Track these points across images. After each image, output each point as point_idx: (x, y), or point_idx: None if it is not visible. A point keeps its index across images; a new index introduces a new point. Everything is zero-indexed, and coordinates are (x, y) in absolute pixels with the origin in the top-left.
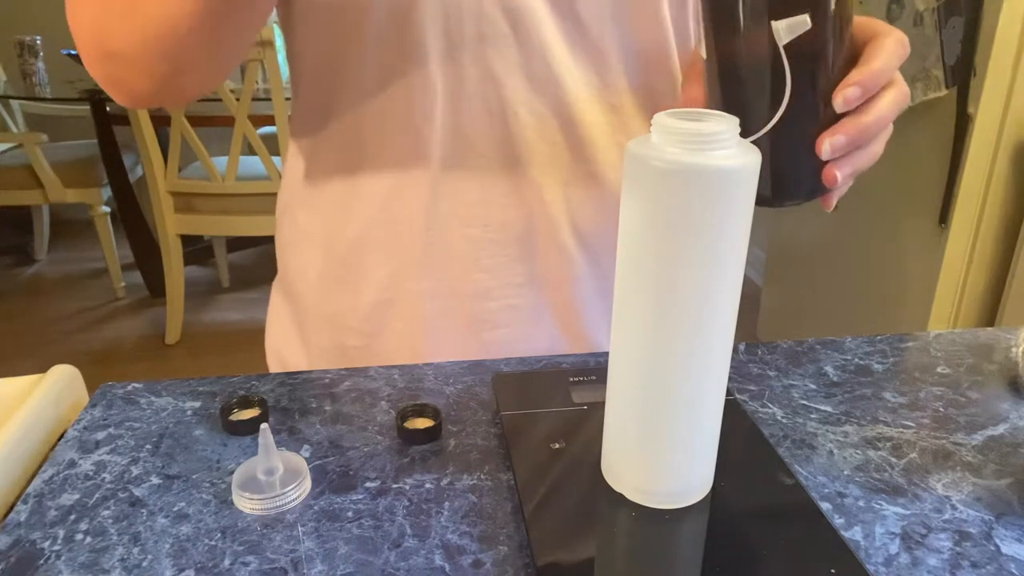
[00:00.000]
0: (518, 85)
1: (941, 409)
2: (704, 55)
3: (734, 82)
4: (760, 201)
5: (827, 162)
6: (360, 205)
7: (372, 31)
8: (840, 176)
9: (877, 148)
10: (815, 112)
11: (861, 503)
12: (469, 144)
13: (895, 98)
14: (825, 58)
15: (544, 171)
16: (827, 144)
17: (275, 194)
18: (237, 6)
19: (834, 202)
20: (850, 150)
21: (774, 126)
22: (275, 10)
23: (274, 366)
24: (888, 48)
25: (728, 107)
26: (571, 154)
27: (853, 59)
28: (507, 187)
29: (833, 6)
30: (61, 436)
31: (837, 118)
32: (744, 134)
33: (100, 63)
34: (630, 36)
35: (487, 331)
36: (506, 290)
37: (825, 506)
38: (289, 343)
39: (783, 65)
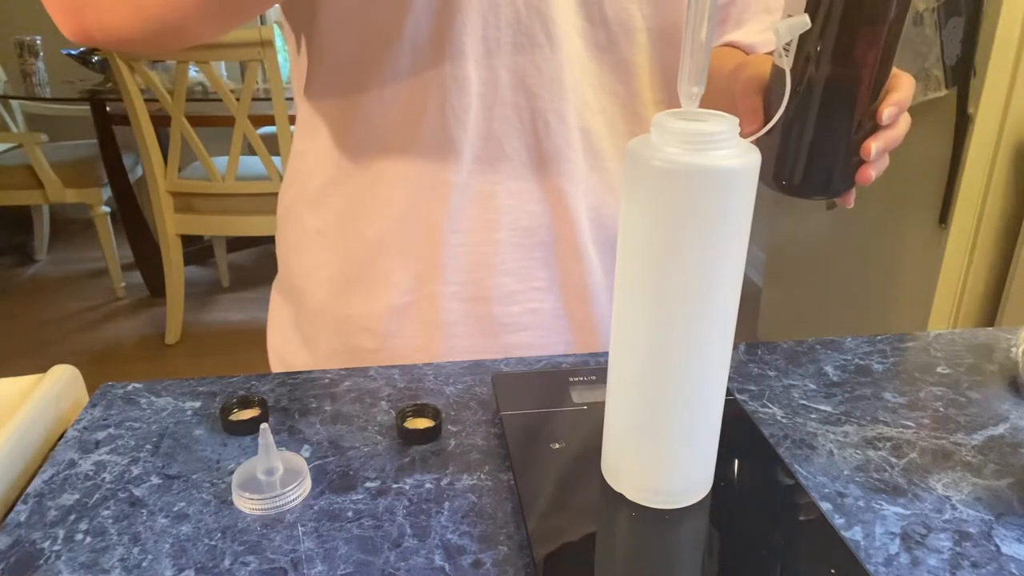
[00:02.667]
0: (550, 94)
1: (941, 409)
2: (785, 67)
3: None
4: (790, 190)
5: (859, 165)
6: (382, 206)
7: (410, 30)
8: (874, 174)
9: (888, 159)
10: (858, 124)
11: (861, 503)
12: (499, 148)
13: (908, 121)
14: (881, 84)
15: (569, 178)
16: (873, 147)
17: (275, 194)
18: None
19: (852, 201)
20: (881, 156)
21: (827, 131)
22: (279, 7)
23: (277, 368)
24: (908, 83)
25: (820, 121)
26: (594, 162)
27: (880, 88)
28: (534, 193)
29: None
30: (61, 436)
31: (870, 130)
32: (830, 147)
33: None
34: (657, 45)
35: (507, 335)
36: (529, 294)
37: (825, 506)
38: (291, 345)
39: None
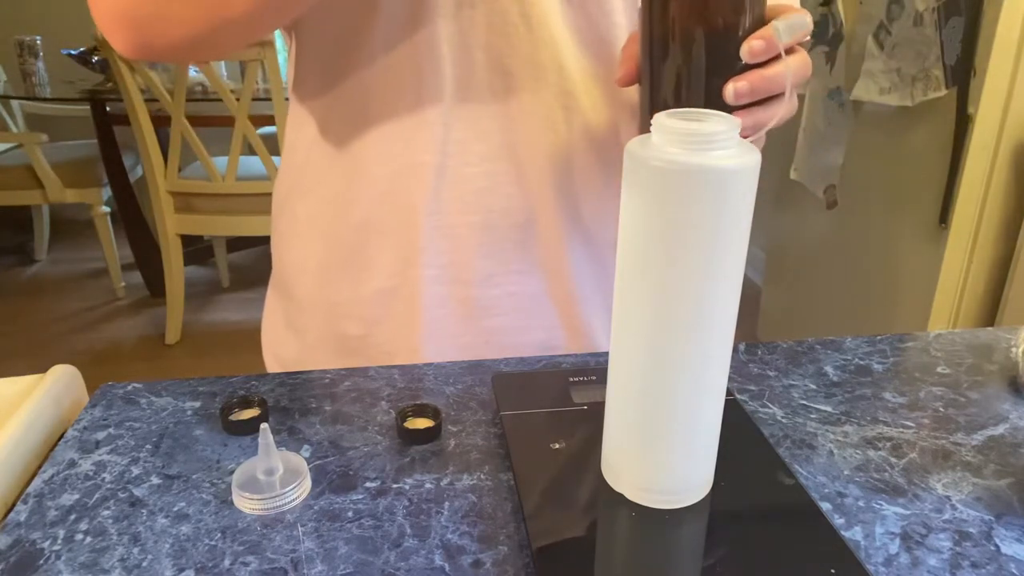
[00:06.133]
0: (525, 74)
1: (941, 409)
2: (783, 56)
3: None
4: None
5: (734, 112)
6: (364, 191)
7: (383, 13)
8: (742, 124)
9: (779, 111)
10: (728, 69)
11: (861, 503)
12: (474, 130)
13: (797, 60)
14: (737, 25)
15: (547, 160)
16: (731, 88)
17: None
18: None
19: None
20: (753, 99)
21: (684, 80)
22: None
23: (270, 363)
24: (793, 15)
25: (653, 75)
26: (573, 144)
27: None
28: (511, 174)
29: None
30: (61, 436)
31: (738, 72)
32: (661, 102)
33: (125, 30)
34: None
35: (487, 318)
36: (507, 276)
37: (825, 506)
38: (281, 337)
39: (705, 51)
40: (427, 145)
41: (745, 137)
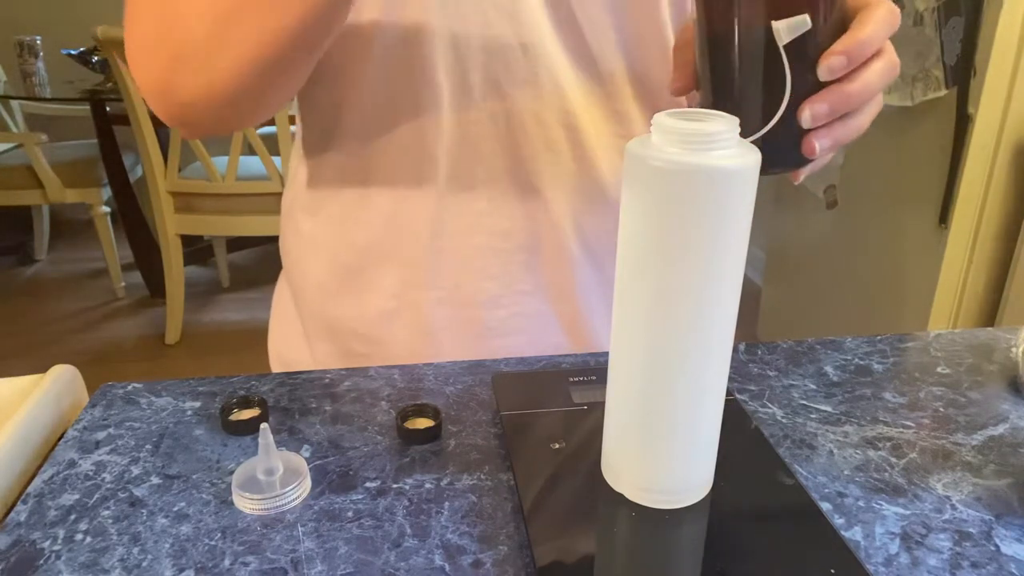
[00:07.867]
0: (524, 95)
1: (941, 409)
2: (695, 22)
3: (722, 57)
4: None
5: (809, 131)
6: (367, 215)
7: (379, 46)
8: (819, 147)
9: (863, 120)
10: (802, 81)
11: (861, 503)
12: (475, 153)
13: (883, 68)
14: (814, 28)
15: (549, 180)
16: (807, 112)
17: (275, 194)
18: (309, 43)
19: (803, 176)
20: (832, 119)
21: (754, 93)
22: None
23: (275, 366)
24: (877, 17)
25: (716, 79)
26: (576, 163)
27: (843, 28)
28: (513, 196)
29: None
30: (61, 436)
31: (813, 88)
32: (730, 109)
33: (168, 109)
34: (631, 43)
35: (495, 339)
36: (514, 298)
37: (825, 506)
38: (292, 343)
39: (775, 53)
40: (429, 170)
41: (820, 155)
